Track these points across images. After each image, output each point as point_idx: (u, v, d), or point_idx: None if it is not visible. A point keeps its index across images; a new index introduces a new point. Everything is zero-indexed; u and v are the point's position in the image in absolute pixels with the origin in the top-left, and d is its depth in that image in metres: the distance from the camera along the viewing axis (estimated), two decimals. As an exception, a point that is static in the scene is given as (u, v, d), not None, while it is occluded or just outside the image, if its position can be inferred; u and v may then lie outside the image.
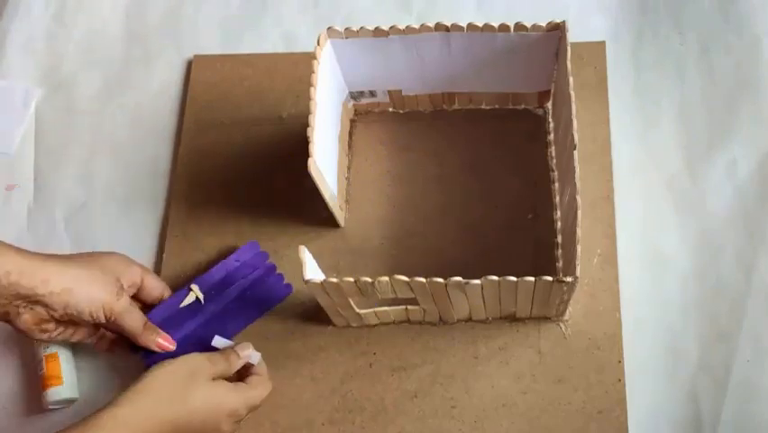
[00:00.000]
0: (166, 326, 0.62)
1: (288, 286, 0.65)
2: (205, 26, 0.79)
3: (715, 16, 0.73)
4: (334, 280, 0.54)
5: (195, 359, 0.57)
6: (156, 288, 0.64)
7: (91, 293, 0.57)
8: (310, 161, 0.57)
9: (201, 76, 0.76)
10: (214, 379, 0.57)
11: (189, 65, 0.77)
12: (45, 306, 0.57)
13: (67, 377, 0.63)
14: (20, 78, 0.79)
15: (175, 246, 0.69)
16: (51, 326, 0.59)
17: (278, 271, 0.65)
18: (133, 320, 0.60)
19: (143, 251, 0.69)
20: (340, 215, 0.67)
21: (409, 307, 0.61)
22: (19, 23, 0.81)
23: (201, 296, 0.64)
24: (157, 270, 0.68)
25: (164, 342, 0.62)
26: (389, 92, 0.69)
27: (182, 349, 0.61)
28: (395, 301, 0.58)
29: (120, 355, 0.64)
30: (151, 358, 0.61)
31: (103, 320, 0.58)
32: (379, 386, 0.62)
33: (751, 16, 0.72)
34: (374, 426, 0.61)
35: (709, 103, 0.69)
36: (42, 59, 0.80)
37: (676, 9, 0.73)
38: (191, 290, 0.64)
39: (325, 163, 0.62)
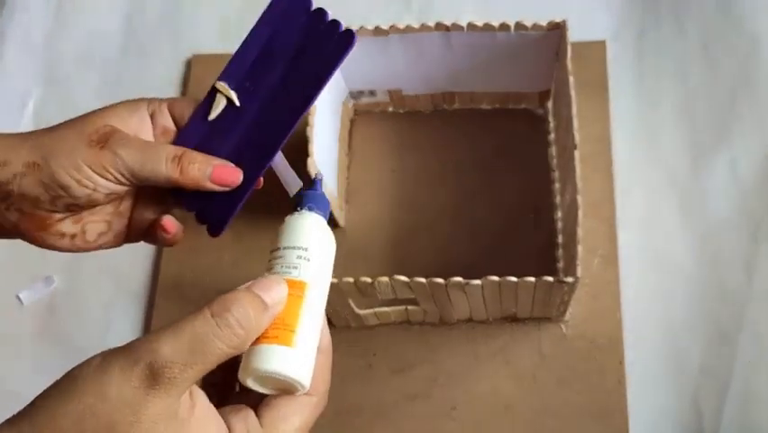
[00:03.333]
0: None
1: (350, 34, 0.45)
2: (204, 25, 0.79)
3: (716, 16, 0.72)
4: (334, 280, 0.54)
5: (151, 348, 0.34)
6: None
7: (61, 156, 0.42)
8: (310, 160, 0.57)
9: (200, 75, 0.76)
10: (198, 406, 0.35)
11: (188, 64, 0.77)
12: (22, 197, 0.42)
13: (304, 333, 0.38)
14: (18, 77, 0.79)
15: (173, 248, 0.68)
16: (66, 225, 0.44)
17: (329, 19, 0.46)
18: (149, 155, 0.42)
19: (141, 250, 0.69)
20: (340, 215, 0.66)
21: (409, 307, 0.61)
22: (17, 23, 0.81)
23: (233, 95, 0.46)
24: (155, 271, 0.68)
25: (220, 170, 0.43)
26: (389, 91, 0.69)
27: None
28: (395, 302, 0.58)
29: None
30: (211, 215, 0.44)
31: (102, 182, 0.42)
32: (378, 387, 0.62)
33: (752, 15, 0.72)
34: (374, 427, 0.61)
35: (711, 102, 0.69)
36: (41, 58, 0.80)
37: (677, 8, 0.73)
38: (217, 90, 0.46)
39: (325, 163, 0.61)
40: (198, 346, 0.33)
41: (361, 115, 0.72)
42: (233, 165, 0.44)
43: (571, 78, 0.57)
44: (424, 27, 0.61)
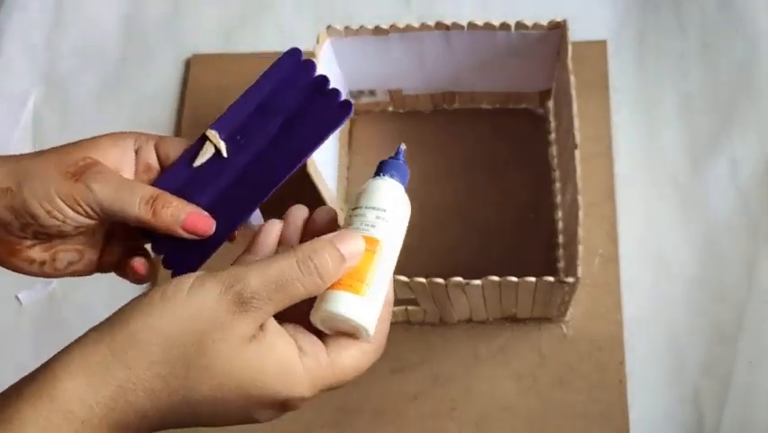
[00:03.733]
0: None
1: (348, 104, 0.44)
2: (203, 25, 0.79)
3: (716, 15, 0.72)
4: (334, 280, 0.54)
5: (241, 278, 0.36)
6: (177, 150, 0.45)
7: (34, 184, 0.41)
8: (310, 161, 0.57)
9: (199, 75, 0.75)
10: (271, 328, 0.37)
11: (188, 64, 0.77)
12: None
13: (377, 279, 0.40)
14: (18, 77, 0.79)
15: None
16: (36, 252, 0.44)
17: (330, 87, 0.45)
18: (123, 194, 0.41)
19: (142, 251, 0.69)
20: (340, 215, 0.66)
21: (409, 307, 0.60)
22: (17, 23, 0.81)
23: (222, 145, 0.45)
24: (155, 272, 0.68)
25: (194, 217, 0.43)
26: (389, 91, 0.69)
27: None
28: (395, 301, 0.58)
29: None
30: (179, 261, 0.44)
31: (71, 214, 0.41)
32: (378, 387, 0.62)
33: (752, 15, 0.71)
34: (374, 427, 0.61)
35: (711, 102, 0.69)
36: (40, 58, 0.80)
37: (677, 8, 0.73)
38: (207, 138, 0.45)
39: (325, 163, 0.61)
40: (282, 285, 0.36)
41: (361, 115, 0.72)
42: (207, 215, 0.44)
43: (572, 78, 0.57)
44: (424, 27, 0.61)
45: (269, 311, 0.37)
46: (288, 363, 0.37)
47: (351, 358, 0.40)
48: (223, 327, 0.36)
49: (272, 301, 0.36)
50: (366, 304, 0.39)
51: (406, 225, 0.43)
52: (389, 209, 0.42)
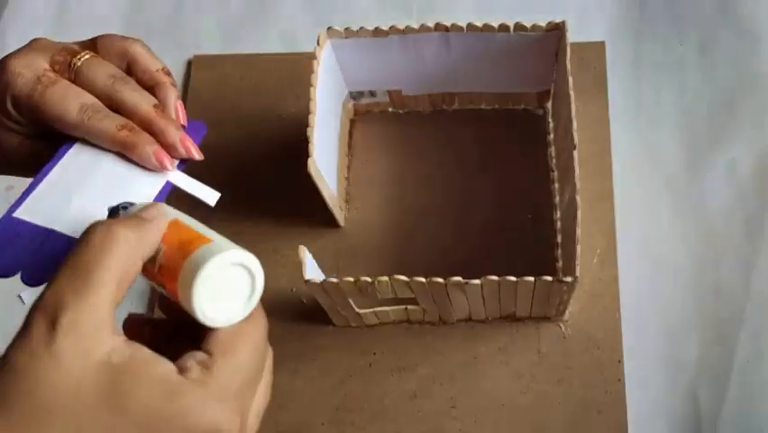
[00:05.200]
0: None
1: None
2: (204, 26, 0.79)
3: (715, 16, 0.73)
4: (334, 280, 0.54)
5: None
6: (148, 62, 0.48)
7: None
8: (310, 160, 0.57)
9: (200, 75, 0.76)
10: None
11: (189, 65, 0.77)
12: None
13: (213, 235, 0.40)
14: None
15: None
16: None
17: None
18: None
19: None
20: (340, 215, 0.67)
21: (409, 307, 0.61)
22: (19, 23, 0.81)
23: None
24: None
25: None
26: (389, 92, 0.69)
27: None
28: (395, 301, 0.58)
29: None
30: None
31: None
32: (378, 386, 0.62)
33: (751, 16, 0.72)
34: (374, 426, 0.61)
35: (709, 102, 0.69)
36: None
37: (676, 9, 0.73)
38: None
39: (325, 163, 0.62)
40: (82, 272, 0.33)
41: (360, 116, 0.72)
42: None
43: (571, 79, 0.57)
44: (423, 28, 0.61)
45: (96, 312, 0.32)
46: (170, 387, 0.33)
47: (244, 344, 0.37)
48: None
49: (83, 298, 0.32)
50: (224, 243, 0.37)
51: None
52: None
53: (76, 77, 0.46)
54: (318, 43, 0.61)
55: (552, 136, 0.68)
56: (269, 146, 0.72)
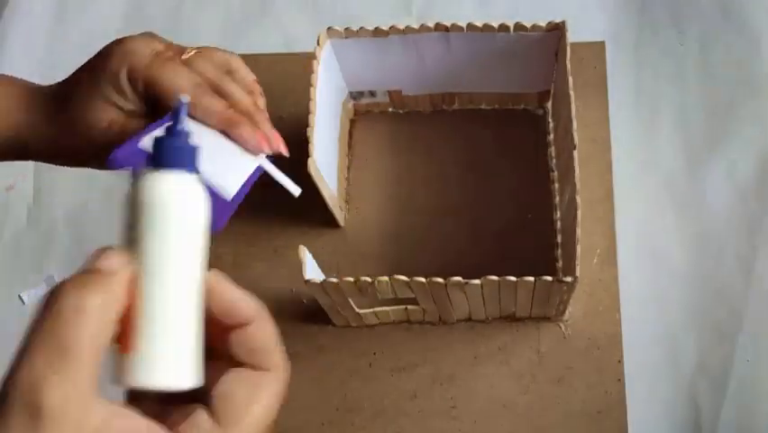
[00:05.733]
0: None
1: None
2: (205, 26, 0.79)
3: (715, 16, 0.73)
4: (334, 280, 0.54)
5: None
6: (246, 73, 0.53)
7: None
8: (310, 160, 0.57)
9: (201, 76, 0.76)
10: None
11: (189, 65, 0.77)
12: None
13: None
14: (20, 77, 0.79)
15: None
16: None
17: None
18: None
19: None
20: (340, 215, 0.67)
21: (409, 307, 0.61)
22: (19, 23, 0.81)
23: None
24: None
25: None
26: (389, 92, 0.69)
27: None
28: (395, 301, 0.58)
29: None
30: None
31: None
32: (378, 386, 0.62)
33: (751, 16, 0.72)
34: (374, 426, 0.61)
35: (709, 103, 0.69)
36: (42, 59, 0.80)
37: (676, 9, 0.74)
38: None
39: (325, 163, 0.62)
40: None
41: (360, 116, 0.72)
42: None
43: (571, 79, 0.57)
44: (423, 28, 0.61)
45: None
46: None
47: (254, 410, 0.33)
48: None
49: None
50: (148, 358, 0.31)
51: (202, 223, 0.32)
52: (149, 218, 0.31)
53: (187, 64, 0.49)
54: (318, 43, 0.61)
55: (552, 136, 0.68)
56: (269, 146, 0.72)
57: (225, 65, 0.51)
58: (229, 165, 0.47)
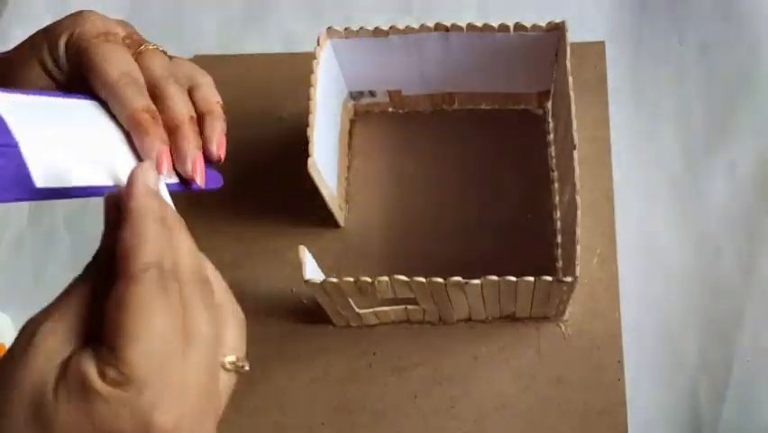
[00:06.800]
0: None
1: None
2: (205, 26, 0.79)
3: (715, 16, 0.73)
4: (334, 280, 0.54)
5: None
6: (210, 92, 0.47)
7: None
8: (310, 160, 0.57)
9: (201, 76, 0.76)
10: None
11: (189, 65, 0.77)
12: None
13: None
14: None
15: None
16: None
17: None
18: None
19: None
20: (340, 215, 0.67)
21: (409, 307, 0.61)
22: (19, 24, 0.81)
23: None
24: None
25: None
26: (389, 92, 0.69)
27: None
28: (395, 301, 0.58)
29: None
30: None
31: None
32: (378, 386, 0.62)
33: (751, 16, 0.72)
34: (374, 426, 0.61)
35: (709, 103, 0.69)
36: (42, 59, 0.80)
37: (676, 9, 0.74)
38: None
39: (325, 163, 0.62)
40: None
41: (360, 116, 0.72)
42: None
43: (570, 79, 0.57)
44: (423, 28, 0.61)
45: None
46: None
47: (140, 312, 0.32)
48: None
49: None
50: None
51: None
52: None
53: (138, 56, 0.45)
54: (318, 43, 0.61)
55: (552, 136, 0.68)
56: (269, 146, 0.72)
57: (190, 78, 0.47)
58: (116, 169, 0.41)
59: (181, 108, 0.44)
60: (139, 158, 0.43)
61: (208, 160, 0.46)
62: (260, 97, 0.74)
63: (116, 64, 0.43)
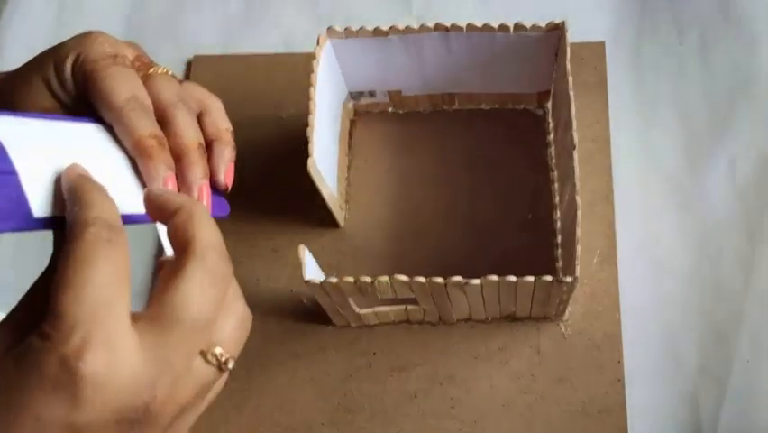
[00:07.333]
0: None
1: None
2: (205, 26, 0.79)
3: (715, 16, 0.73)
4: (334, 280, 0.54)
5: None
6: (220, 118, 0.47)
7: None
8: (310, 160, 0.57)
9: (201, 76, 0.76)
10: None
11: (189, 65, 0.77)
12: None
13: None
14: None
15: (175, 246, 0.69)
16: None
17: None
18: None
19: (143, 252, 0.69)
20: (340, 215, 0.67)
21: (409, 307, 0.61)
22: (19, 23, 0.81)
23: None
24: (158, 270, 0.68)
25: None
26: (389, 92, 0.69)
27: None
28: (395, 301, 0.58)
29: None
30: None
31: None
32: (378, 386, 0.62)
33: (751, 16, 0.72)
34: (374, 426, 0.61)
35: (709, 102, 0.69)
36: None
37: (676, 9, 0.74)
38: None
39: (325, 163, 0.62)
40: None
41: (360, 116, 0.72)
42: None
43: (570, 79, 0.57)
44: (423, 28, 0.61)
45: None
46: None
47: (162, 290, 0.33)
48: None
49: None
50: None
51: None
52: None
53: (147, 79, 0.44)
54: (318, 43, 0.61)
55: (552, 136, 0.68)
56: (269, 146, 0.72)
57: (199, 103, 0.47)
58: (121, 197, 0.39)
59: (189, 135, 0.44)
60: (144, 184, 0.42)
61: (215, 187, 0.46)
62: (260, 97, 0.74)
63: (123, 88, 0.42)
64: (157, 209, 0.37)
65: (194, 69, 0.76)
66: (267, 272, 0.67)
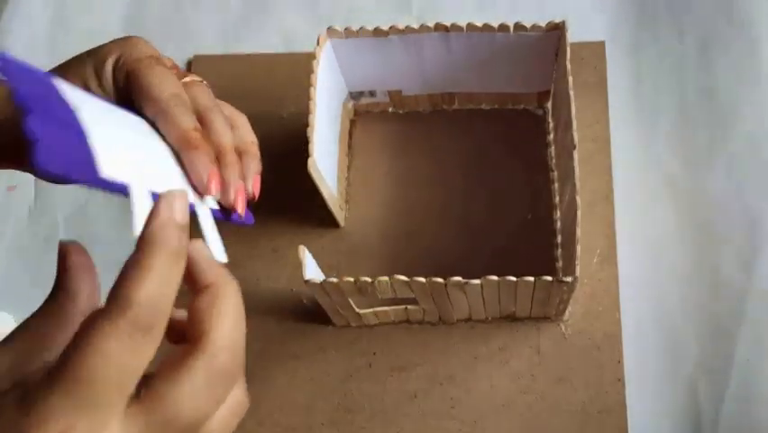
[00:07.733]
0: None
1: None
2: (204, 26, 0.79)
3: (715, 16, 0.73)
4: (334, 280, 0.54)
5: None
6: (247, 132, 0.47)
7: None
8: (310, 160, 0.57)
9: (201, 75, 0.75)
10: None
11: (189, 65, 0.77)
12: None
13: None
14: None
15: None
16: None
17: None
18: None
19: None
20: (340, 215, 0.67)
21: (409, 307, 0.61)
22: (19, 24, 0.81)
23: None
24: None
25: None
26: (389, 92, 0.69)
27: None
28: (395, 301, 0.58)
29: None
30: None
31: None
32: (378, 386, 0.62)
33: (751, 16, 0.72)
34: (374, 426, 0.61)
35: (709, 102, 0.69)
36: (42, 59, 0.80)
37: (676, 9, 0.73)
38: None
39: (325, 163, 0.62)
40: None
41: (360, 116, 0.72)
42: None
43: (570, 79, 0.57)
44: (423, 28, 0.61)
45: None
46: None
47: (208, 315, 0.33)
48: None
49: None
50: None
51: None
52: None
53: (184, 86, 0.45)
54: (318, 43, 0.61)
55: (552, 136, 0.68)
56: (270, 146, 0.71)
57: (230, 118, 0.47)
58: (165, 185, 0.37)
59: (228, 135, 0.44)
60: (183, 180, 0.41)
61: None
62: (260, 97, 0.74)
63: (166, 84, 0.43)
64: (189, 273, 0.35)
65: (194, 69, 0.76)
66: (267, 272, 0.67)
